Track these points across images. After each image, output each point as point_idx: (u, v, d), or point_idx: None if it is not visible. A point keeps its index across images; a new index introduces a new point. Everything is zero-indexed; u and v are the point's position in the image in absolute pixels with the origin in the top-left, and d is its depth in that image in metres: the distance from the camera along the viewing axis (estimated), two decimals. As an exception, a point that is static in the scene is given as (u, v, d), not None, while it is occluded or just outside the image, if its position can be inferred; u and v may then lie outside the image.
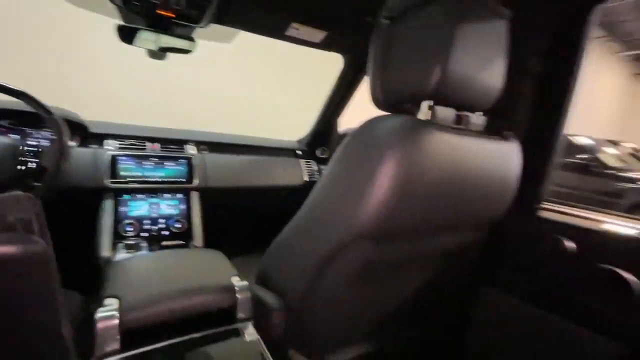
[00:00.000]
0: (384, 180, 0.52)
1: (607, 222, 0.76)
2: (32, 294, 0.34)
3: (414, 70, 0.58)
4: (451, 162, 0.58)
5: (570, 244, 0.74)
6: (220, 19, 1.02)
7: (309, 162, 1.65)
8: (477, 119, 0.66)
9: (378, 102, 0.67)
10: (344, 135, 1.70)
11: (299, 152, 1.71)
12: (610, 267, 0.68)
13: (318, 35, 1.14)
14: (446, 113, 0.61)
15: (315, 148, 1.76)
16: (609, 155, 4.88)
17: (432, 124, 0.58)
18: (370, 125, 0.60)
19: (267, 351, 0.58)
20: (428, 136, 0.54)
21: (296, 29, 1.09)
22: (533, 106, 0.84)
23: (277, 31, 1.13)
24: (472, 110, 0.65)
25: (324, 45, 1.25)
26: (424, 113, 0.60)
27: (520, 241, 0.85)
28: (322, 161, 1.73)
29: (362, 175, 0.54)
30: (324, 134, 1.74)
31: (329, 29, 1.11)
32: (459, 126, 0.64)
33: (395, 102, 0.65)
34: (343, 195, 0.58)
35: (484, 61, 0.60)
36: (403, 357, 0.88)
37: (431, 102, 0.59)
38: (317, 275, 0.62)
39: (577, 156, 4.57)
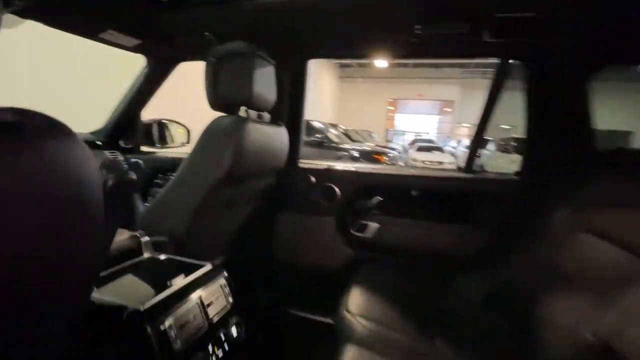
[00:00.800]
0: (231, 149, 0.98)
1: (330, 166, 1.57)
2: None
3: (235, 88, 1.05)
4: (259, 139, 1.11)
5: (312, 177, 1.48)
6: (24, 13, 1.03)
7: (113, 152, 1.73)
8: (266, 116, 1.22)
9: (214, 106, 1.08)
10: (149, 125, 1.89)
11: (99, 143, 1.74)
12: (329, 184, 1.47)
13: (133, 41, 1.33)
14: (252, 113, 1.13)
15: (118, 139, 1.84)
16: (333, 134, 7.20)
17: (248, 119, 1.08)
18: (217, 121, 1.03)
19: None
20: (248, 126, 1.04)
21: (111, 34, 1.25)
22: (289, 106, 1.52)
23: (91, 33, 1.23)
24: (264, 110, 1.20)
25: (134, 49, 1.44)
26: (242, 113, 1.09)
27: (291, 180, 1.53)
28: (126, 151, 1.84)
29: (222, 145, 0.99)
30: (125, 126, 1.84)
31: (142, 37, 1.33)
32: (260, 120, 1.17)
33: (225, 106, 1.09)
34: (209, 159, 1.00)
35: (266, 85, 1.13)
36: (245, 266, 1.38)
37: (245, 107, 1.09)
38: (195, 214, 1.00)
39: (316, 135, 6.47)
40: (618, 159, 1.12)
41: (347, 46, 1.39)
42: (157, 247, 0.94)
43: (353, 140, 8.33)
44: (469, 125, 14.53)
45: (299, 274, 1.56)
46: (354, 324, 0.93)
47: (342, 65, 15.25)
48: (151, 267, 0.87)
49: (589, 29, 1.03)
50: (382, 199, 1.47)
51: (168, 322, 0.65)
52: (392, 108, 17.25)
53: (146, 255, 0.90)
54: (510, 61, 1.28)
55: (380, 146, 8.76)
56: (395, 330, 0.91)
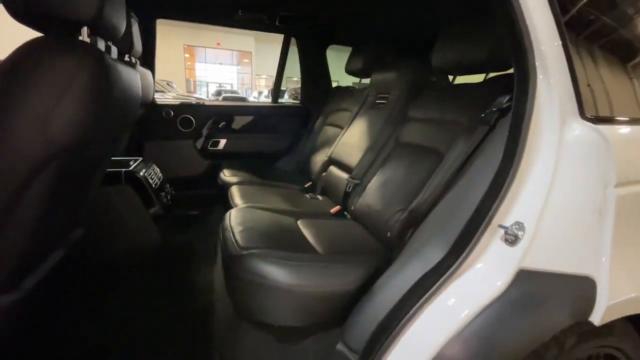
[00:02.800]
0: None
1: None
2: None
3: None
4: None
5: (171, 111, 2.02)
6: None
7: None
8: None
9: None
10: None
11: None
12: (185, 115, 2.05)
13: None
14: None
15: None
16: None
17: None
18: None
19: None
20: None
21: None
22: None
23: None
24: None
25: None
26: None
27: (152, 116, 1.99)
28: None
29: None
30: None
31: None
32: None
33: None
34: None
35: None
36: None
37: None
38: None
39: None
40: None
41: (193, 11, 1.90)
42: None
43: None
44: (266, 76, 16.12)
45: (173, 184, 2.10)
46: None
47: None
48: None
49: (324, 23, 2.08)
50: (225, 122, 2.20)
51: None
52: (188, 56, 16.40)
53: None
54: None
55: (186, 97, 8.73)
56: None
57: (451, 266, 0.68)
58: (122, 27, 0.80)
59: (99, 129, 0.72)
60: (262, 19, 1.90)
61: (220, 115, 2.19)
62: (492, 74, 1.10)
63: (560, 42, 0.67)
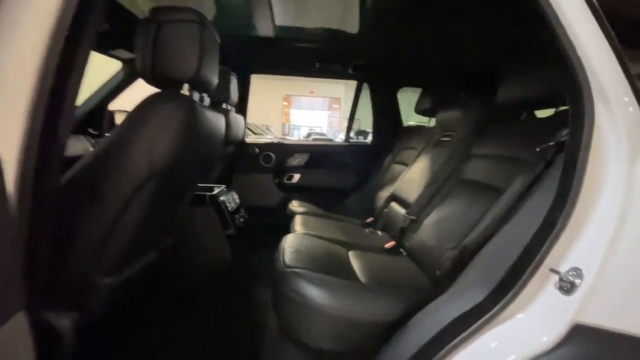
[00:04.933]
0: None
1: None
2: None
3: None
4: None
5: (256, 148, 2.32)
6: None
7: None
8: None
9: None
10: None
11: None
12: (267, 152, 2.34)
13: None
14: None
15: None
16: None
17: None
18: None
19: None
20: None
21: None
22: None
23: None
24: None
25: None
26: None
27: (242, 151, 2.33)
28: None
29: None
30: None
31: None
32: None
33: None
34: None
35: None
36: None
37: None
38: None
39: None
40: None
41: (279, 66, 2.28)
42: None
43: (255, 134, 9.09)
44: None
45: (250, 211, 2.36)
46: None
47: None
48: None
49: (393, 68, 2.20)
50: (300, 159, 2.42)
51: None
52: (286, 104, 18.55)
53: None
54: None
55: (281, 138, 9.76)
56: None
57: (491, 309, 0.63)
58: (214, 83, 1.01)
59: (187, 156, 0.93)
60: (337, 68, 2.13)
61: (297, 153, 2.43)
62: (562, 108, 1.02)
63: (620, 69, 0.62)
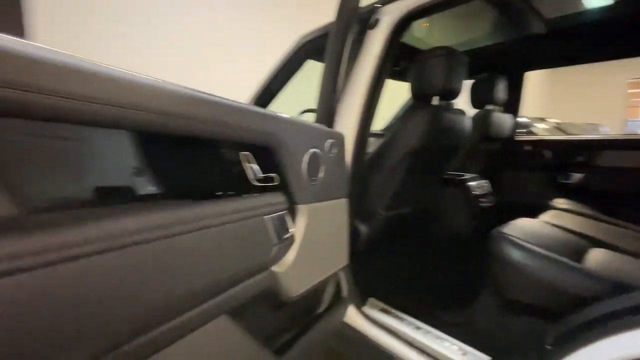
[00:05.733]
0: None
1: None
2: None
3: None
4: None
5: (528, 146, 2.30)
6: None
7: None
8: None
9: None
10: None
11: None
12: (539, 150, 2.26)
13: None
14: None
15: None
16: (539, 128, 6.94)
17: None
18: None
19: None
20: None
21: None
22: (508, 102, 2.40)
23: None
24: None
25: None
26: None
27: (514, 149, 2.41)
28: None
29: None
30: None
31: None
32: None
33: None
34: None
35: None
36: None
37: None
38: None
39: (516, 131, 6.53)
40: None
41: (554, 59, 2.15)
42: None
43: (567, 133, 7.57)
44: None
45: (509, 207, 2.38)
46: None
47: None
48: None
49: None
50: (583, 158, 2.11)
51: None
52: (637, 91, 13.13)
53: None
54: None
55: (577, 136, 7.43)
56: None
57: None
58: (459, 91, 1.36)
59: (430, 143, 1.37)
60: None
61: (580, 151, 2.14)
62: None
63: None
